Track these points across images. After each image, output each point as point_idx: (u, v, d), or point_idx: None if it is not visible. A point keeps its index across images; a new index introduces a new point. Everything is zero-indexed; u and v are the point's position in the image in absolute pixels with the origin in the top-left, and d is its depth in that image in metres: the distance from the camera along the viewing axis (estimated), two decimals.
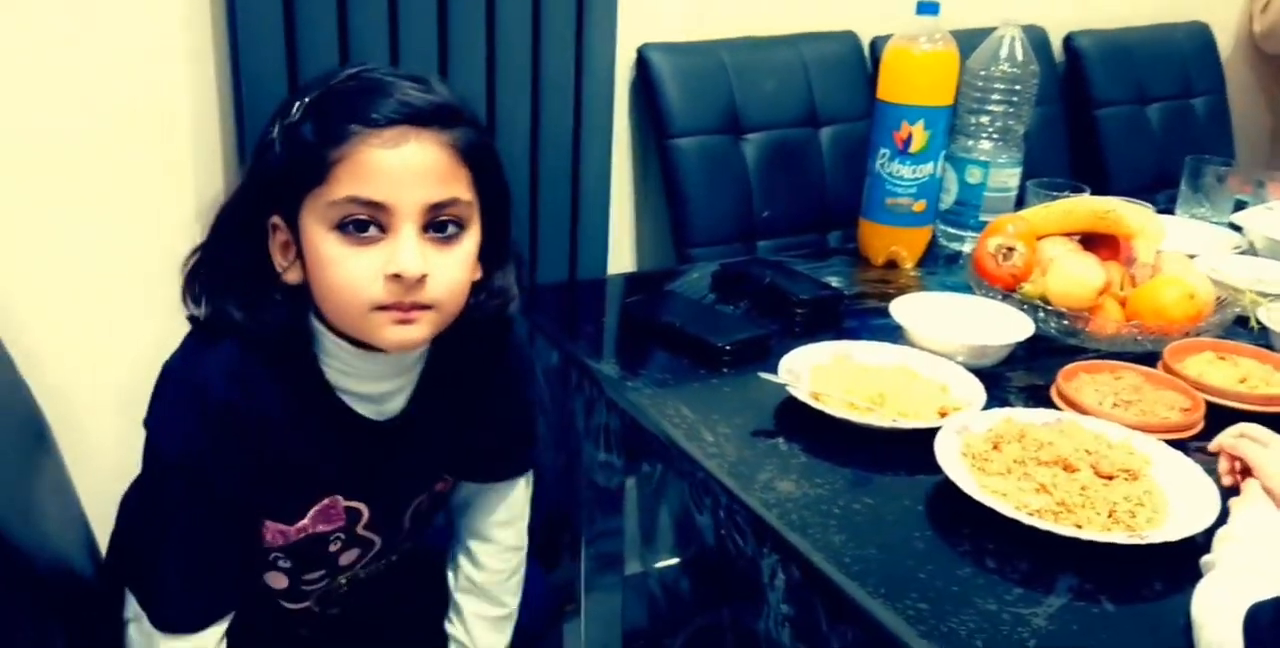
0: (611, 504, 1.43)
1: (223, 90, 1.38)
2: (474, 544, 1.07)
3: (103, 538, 1.15)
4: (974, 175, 1.56)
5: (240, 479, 0.86)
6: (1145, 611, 0.84)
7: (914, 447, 0.99)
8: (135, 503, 1.04)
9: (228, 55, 1.34)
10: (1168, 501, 0.93)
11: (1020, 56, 1.53)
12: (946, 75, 1.43)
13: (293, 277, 0.83)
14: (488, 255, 0.87)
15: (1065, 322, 1.25)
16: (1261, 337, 1.28)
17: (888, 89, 1.45)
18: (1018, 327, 1.22)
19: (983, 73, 1.54)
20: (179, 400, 0.84)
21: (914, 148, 1.44)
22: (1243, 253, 1.58)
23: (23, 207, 1.32)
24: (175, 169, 1.38)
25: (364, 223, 0.79)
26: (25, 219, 1.32)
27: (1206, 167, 1.75)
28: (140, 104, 1.35)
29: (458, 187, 0.81)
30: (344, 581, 1.00)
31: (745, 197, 1.64)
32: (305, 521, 0.92)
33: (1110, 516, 0.89)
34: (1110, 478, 0.93)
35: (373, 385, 0.89)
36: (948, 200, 1.59)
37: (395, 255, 0.78)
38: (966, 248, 1.56)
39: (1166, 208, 1.78)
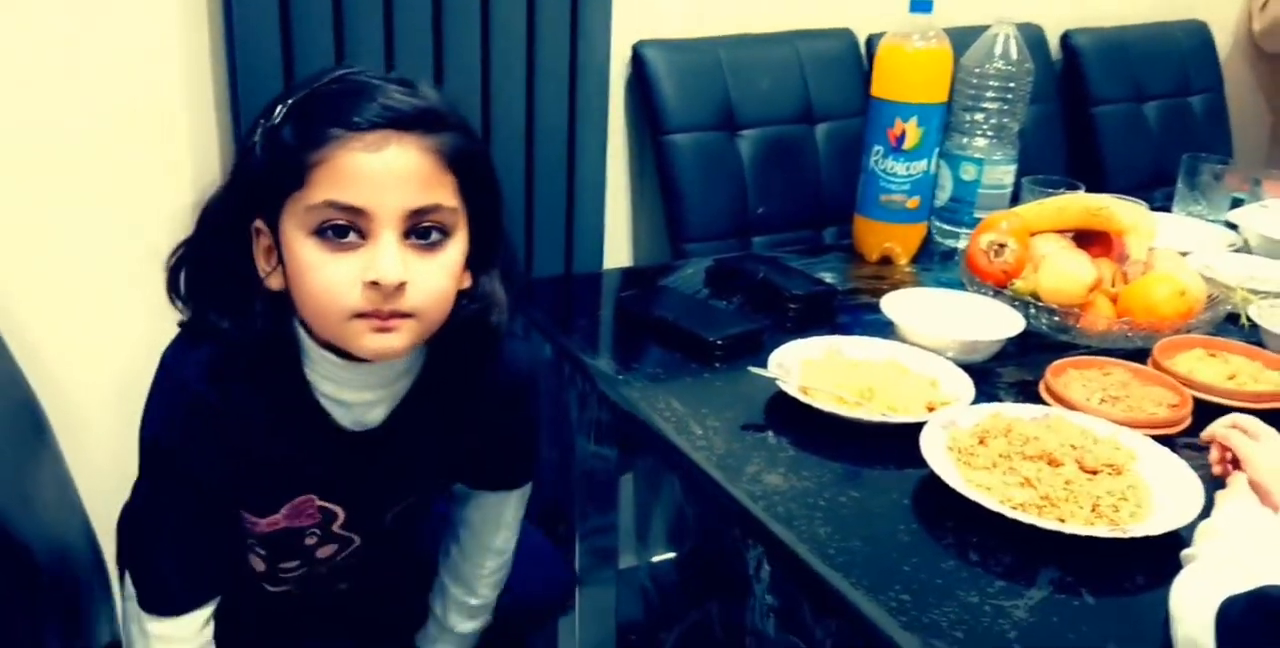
0: (605, 498, 1.44)
1: (219, 89, 1.39)
2: (465, 539, 1.08)
3: (100, 528, 1.16)
4: (969, 172, 1.57)
5: (216, 471, 0.86)
6: (1126, 604, 0.84)
7: (902, 441, 1.00)
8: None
9: (224, 54, 1.35)
10: (1152, 495, 0.94)
11: (1015, 54, 1.53)
12: (940, 72, 1.44)
13: (275, 282, 0.82)
14: (477, 263, 0.86)
15: (1056, 318, 1.25)
16: (1252, 334, 1.28)
17: (881, 86, 1.45)
18: (1008, 323, 1.23)
19: (977, 70, 1.54)
20: (161, 390, 0.86)
21: (908, 145, 1.45)
22: (1237, 251, 1.58)
23: (21, 203, 1.33)
24: (173, 168, 1.39)
25: (343, 228, 0.77)
26: (23, 215, 1.33)
27: (1203, 165, 1.76)
28: (138, 102, 1.35)
29: (441, 192, 0.79)
30: (324, 570, 1.01)
31: (740, 193, 1.65)
32: (278, 516, 0.92)
33: (1094, 510, 0.90)
34: (1095, 473, 0.94)
35: (354, 395, 0.88)
36: (943, 197, 1.60)
37: (374, 262, 0.77)
38: (961, 244, 1.56)
39: (1163, 206, 1.78)
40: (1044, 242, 1.35)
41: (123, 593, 0.99)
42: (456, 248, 0.82)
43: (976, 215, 1.55)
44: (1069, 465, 0.94)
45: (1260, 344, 1.25)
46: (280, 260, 0.81)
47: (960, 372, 1.13)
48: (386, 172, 0.77)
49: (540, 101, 1.47)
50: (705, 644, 1.54)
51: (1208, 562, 0.80)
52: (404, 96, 0.78)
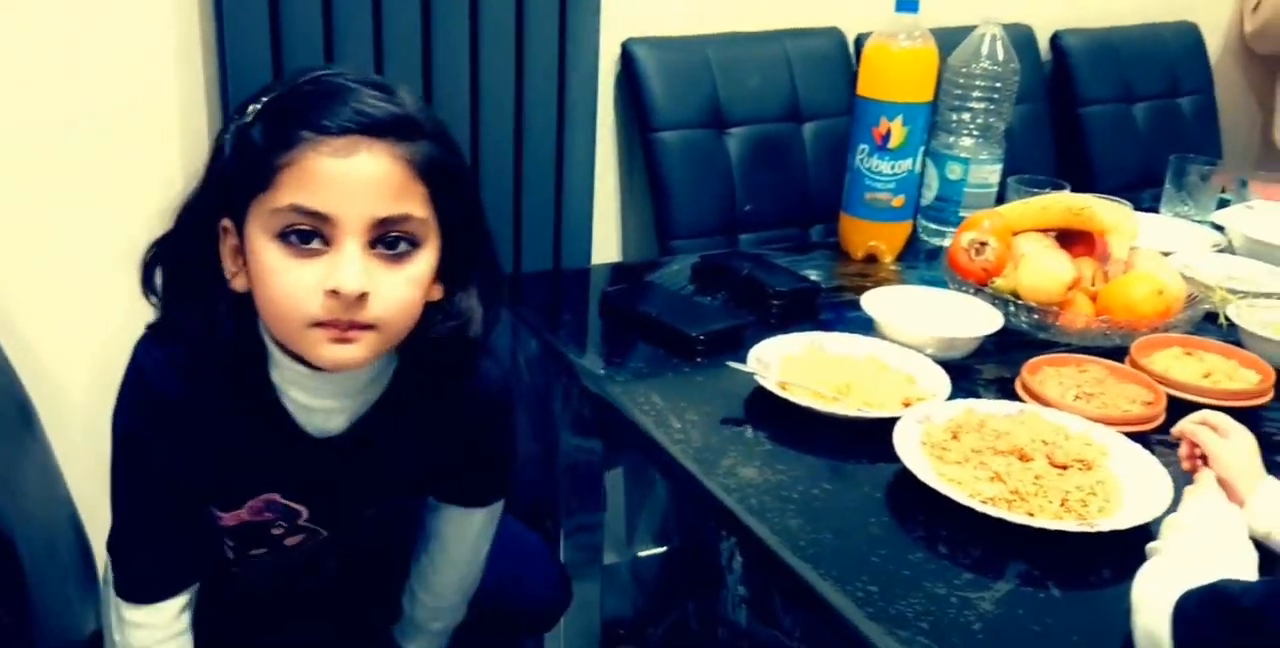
0: (590, 492, 1.46)
1: (210, 89, 1.40)
2: (433, 549, 1.07)
3: (86, 517, 1.17)
4: (954, 172, 1.58)
5: (181, 466, 0.87)
6: (1092, 597, 0.86)
7: (877, 436, 1.01)
8: None
9: (215, 52, 1.36)
10: (1122, 491, 0.95)
11: (1001, 54, 1.54)
12: (925, 72, 1.45)
13: (240, 283, 0.81)
14: (450, 276, 0.84)
15: (1036, 316, 1.27)
16: (1230, 333, 1.29)
17: (867, 85, 1.46)
18: (988, 320, 1.24)
19: (964, 70, 1.55)
20: (129, 385, 0.86)
21: (893, 143, 1.46)
22: (1222, 251, 1.59)
23: (10, 199, 1.34)
24: (163, 165, 1.40)
25: (307, 234, 0.75)
26: (13, 211, 1.35)
27: (1190, 166, 1.77)
28: (129, 101, 1.37)
29: (411, 203, 0.77)
30: (295, 557, 1.00)
31: (728, 190, 1.66)
32: (242, 511, 0.92)
33: (1063, 504, 0.91)
34: (1065, 468, 0.95)
35: (317, 401, 0.87)
36: (929, 196, 1.61)
37: (335, 270, 0.75)
38: (947, 243, 1.57)
39: (1152, 206, 1.79)
40: (1026, 241, 1.36)
41: (104, 580, 1.00)
42: (425, 260, 0.80)
43: (962, 214, 1.56)
44: (1039, 461, 0.95)
45: (1238, 344, 1.26)
46: (246, 262, 0.80)
47: (938, 368, 1.14)
48: (354, 178, 0.75)
49: (529, 98, 1.48)
50: (688, 639, 1.56)
51: (1171, 555, 0.81)
52: (379, 102, 0.76)
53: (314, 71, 0.80)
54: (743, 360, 1.14)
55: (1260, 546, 0.83)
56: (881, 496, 0.96)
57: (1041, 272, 1.27)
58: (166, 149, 1.40)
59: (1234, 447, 0.91)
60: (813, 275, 1.45)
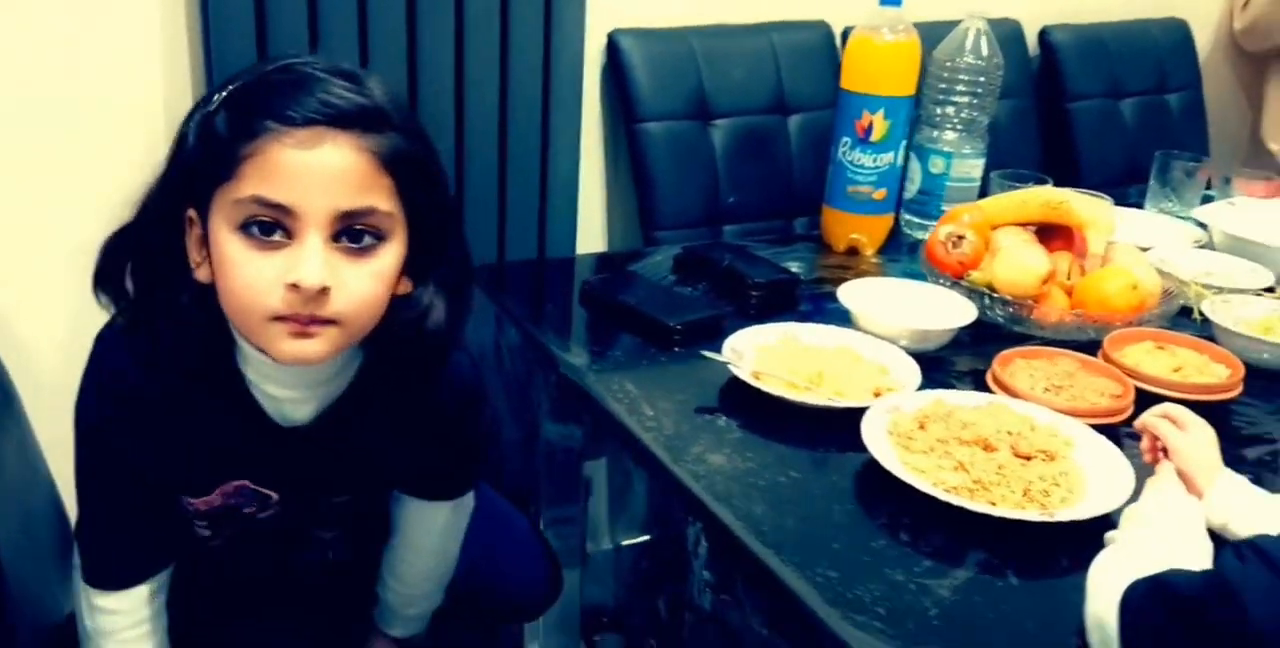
0: (570, 481, 1.47)
1: (196, 86, 1.41)
2: (398, 542, 1.08)
3: (67, 496, 1.18)
4: (937, 165, 1.59)
5: (147, 455, 0.87)
6: (1050, 585, 0.87)
7: (847, 425, 1.02)
8: None
9: (201, 50, 1.36)
10: (1085, 482, 0.96)
11: (985, 49, 1.55)
12: (908, 66, 1.46)
13: (203, 274, 0.79)
14: (418, 270, 0.83)
15: (1011, 309, 1.28)
16: (1205, 328, 1.30)
17: (850, 78, 1.47)
18: (961, 313, 1.25)
19: (948, 64, 1.56)
20: (88, 377, 0.86)
21: (875, 137, 1.47)
22: (1203, 248, 1.60)
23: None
24: (149, 151, 1.41)
25: (269, 226, 0.74)
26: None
27: (1175, 162, 1.78)
28: (117, 98, 1.38)
29: (376, 195, 0.76)
30: (269, 530, 0.99)
31: (712, 182, 1.67)
32: (213, 497, 0.92)
33: (1025, 494, 0.92)
34: (1028, 458, 0.96)
35: (281, 391, 0.87)
36: (912, 190, 1.62)
37: (296, 264, 0.74)
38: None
39: (1138, 202, 1.80)
40: (1005, 234, 1.37)
41: (75, 565, 1.01)
42: (391, 254, 0.79)
43: (944, 208, 1.57)
44: (1003, 451, 0.97)
45: (1213, 339, 1.27)
46: (210, 253, 0.78)
47: (910, 359, 1.15)
48: (318, 170, 0.73)
49: (515, 88, 1.49)
50: (658, 625, 1.57)
51: (1127, 544, 0.82)
52: (346, 92, 0.75)
53: (284, 59, 0.79)
54: (719, 351, 1.15)
55: (1217, 537, 0.84)
56: (849, 484, 0.97)
57: (1017, 265, 1.28)
58: (146, 138, 1.41)
59: (1193, 440, 0.92)
60: (794, 267, 1.46)
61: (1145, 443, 0.97)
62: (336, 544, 1.06)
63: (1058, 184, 1.55)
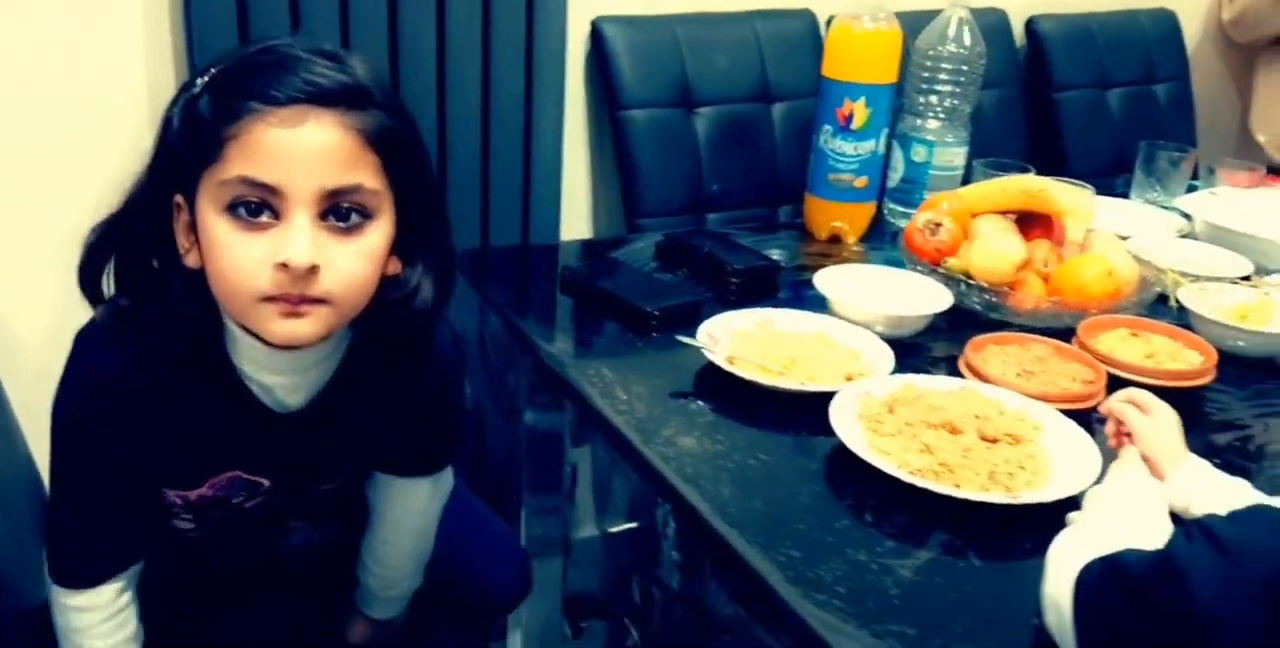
0: (551, 468, 1.48)
1: (180, 77, 1.41)
2: (382, 524, 1.08)
3: (46, 478, 1.19)
4: (919, 154, 1.59)
5: (132, 452, 0.86)
6: (1011, 567, 0.88)
7: (819, 410, 1.03)
8: None
9: (184, 41, 1.37)
10: (1051, 465, 0.97)
11: (967, 38, 1.56)
12: (889, 54, 1.46)
13: (193, 260, 0.79)
14: (405, 249, 0.83)
15: (987, 296, 1.28)
16: (1181, 316, 1.31)
17: (831, 66, 1.48)
18: (937, 299, 1.26)
19: (930, 53, 1.56)
20: (69, 374, 0.86)
21: (855, 125, 1.48)
22: (1185, 237, 1.61)
23: None
24: (135, 139, 1.42)
25: (255, 206, 0.74)
26: None
27: (1160, 152, 1.78)
28: (100, 91, 1.39)
29: (362, 173, 0.76)
30: (251, 518, 1.00)
31: (695, 169, 1.68)
32: (203, 489, 0.92)
33: (990, 477, 0.93)
34: (994, 442, 0.97)
35: (273, 377, 0.87)
36: (895, 178, 1.62)
37: (284, 243, 0.74)
38: None
39: (1124, 192, 1.81)
40: (984, 222, 1.37)
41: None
42: (379, 232, 0.79)
43: (927, 196, 1.58)
44: (969, 434, 0.97)
45: (1188, 327, 1.28)
46: (198, 238, 0.78)
47: (883, 344, 1.16)
48: (302, 149, 0.74)
49: (498, 75, 1.50)
50: (630, 606, 1.58)
51: (1087, 525, 0.83)
52: (328, 71, 0.75)
53: (263, 42, 0.79)
54: (696, 336, 1.16)
55: (1179, 519, 0.85)
56: (817, 467, 0.98)
57: (992, 252, 1.28)
58: (130, 130, 1.41)
59: (1157, 424, 0.93)
60: (776, 255, 1.46)
61: (1110, 427, 0.98)
62: (317, 530, 1.07)
63: (1044, 174, 1.55)
